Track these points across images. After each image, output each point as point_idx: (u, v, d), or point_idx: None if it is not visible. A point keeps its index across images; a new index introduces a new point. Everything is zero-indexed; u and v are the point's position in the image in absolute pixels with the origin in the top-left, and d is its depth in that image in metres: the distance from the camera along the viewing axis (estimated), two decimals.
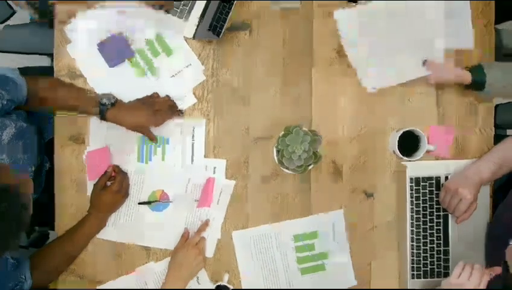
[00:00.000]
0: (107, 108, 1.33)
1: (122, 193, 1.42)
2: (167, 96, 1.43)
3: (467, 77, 1.41)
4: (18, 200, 0.98)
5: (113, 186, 1.39)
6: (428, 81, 1.46)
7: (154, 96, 1.43)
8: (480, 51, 1.49)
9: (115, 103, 1.35)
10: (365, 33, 1.48)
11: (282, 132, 1.35)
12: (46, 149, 1.48)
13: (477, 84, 1.40)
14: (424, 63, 1.46)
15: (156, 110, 1.39)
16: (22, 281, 1.29)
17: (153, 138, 1.40)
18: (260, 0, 1.46)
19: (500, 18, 1.52)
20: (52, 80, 1.42)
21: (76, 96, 1.35)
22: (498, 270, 1.23)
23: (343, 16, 1.47)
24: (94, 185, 1.41)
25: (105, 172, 1.41)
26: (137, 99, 1.41)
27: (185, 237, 1.44)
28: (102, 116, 1.33)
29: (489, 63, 1.41)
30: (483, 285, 1.21)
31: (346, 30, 1.47)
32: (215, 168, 1.45)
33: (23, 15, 1.70)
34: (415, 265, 1.45)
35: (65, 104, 1.35)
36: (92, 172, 1.44)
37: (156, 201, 1.45)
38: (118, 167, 1.43)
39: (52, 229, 1.46)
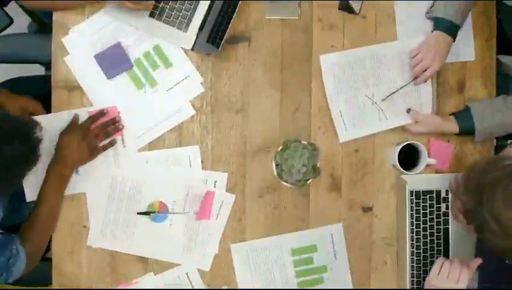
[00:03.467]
0: None
1: (91, 146, 1.37)
2: None
3: (454, 128, 1.41)
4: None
5: (85, 131, 1.36)
6: (407, 128, 1.45)
7: None
8: (481, 63, 1.48)
9: None
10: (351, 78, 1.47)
11: (281, 146, 1.35)
12: None
13: (465, 132, 1.41)
14: (408, 111, 1.45)
15: None
16: (15, 255, 1.27)
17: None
18: (261, 0, 1.46)
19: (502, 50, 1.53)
20: None
21: None
22: (477, 261, 1.23)
23: (328, 60, 1.46)
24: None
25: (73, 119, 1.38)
26: None
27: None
28: None
29: (477, 109, 1.40)
30: (462, 279, 1.21)
31: (330, 77, 1.46)
32: (216, 181, 1.44)
33: (20, 25, 1.69)
34: (415, 279, 1.44)
35: None
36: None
37: (155, 212, 1.44)
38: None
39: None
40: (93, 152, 1.39)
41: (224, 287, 1.45)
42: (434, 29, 1.41)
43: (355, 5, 1.46)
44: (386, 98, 1.44)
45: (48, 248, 1.43)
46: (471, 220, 1.09)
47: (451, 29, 1.38)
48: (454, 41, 1.40)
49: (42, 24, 1.76)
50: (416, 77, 1.42)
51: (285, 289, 1.46)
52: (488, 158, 1.12)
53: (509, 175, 1.02)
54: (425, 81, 1.44)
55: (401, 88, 1.44)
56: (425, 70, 1.40)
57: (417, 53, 1.41)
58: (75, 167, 1.39)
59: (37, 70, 1.67)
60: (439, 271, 1.23)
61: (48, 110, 1.46)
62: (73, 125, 1.39)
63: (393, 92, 1.44)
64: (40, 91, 1.48)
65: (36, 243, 1.37)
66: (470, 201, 1.08)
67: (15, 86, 1.56)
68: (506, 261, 1.20)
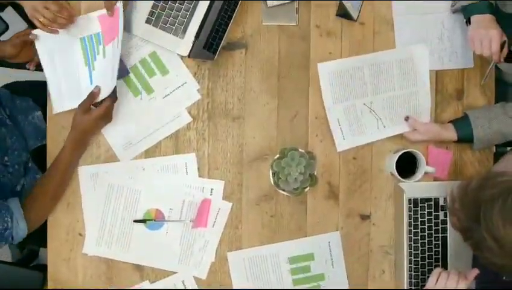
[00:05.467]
0: None
1: (107, 119, 1.38)
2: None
3: (453, 136, 1.41)
4: None
5: (97, 112, 1.32)
6: (406, 137, 1.44)
7: None
8: (480, 70, 1.47)
9: None
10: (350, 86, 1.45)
11: (278, 155, 1.34)
12: (38, 160, 1.47)
13: (464, 140, 1.40)
14: (406, 119, 1.44)
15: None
16: (10, 227, 1.28)
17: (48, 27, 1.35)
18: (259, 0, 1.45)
19: None
20: None
21: None
22: (474, 272, 1.22)
23: (326, 69, 1.45)
24: (78, 106, 1.35)
25: (90, 93, 1.34)
26: None
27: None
28: None
29: (476, 116, 1.39)
30: (461, 286, 1.20)
31: (328, 86, 1.45)
32: (212, 189, 1.43)
33: (17, 30, 1.67)
34: (413, 287, 1.43)
35: None
36: (108, 36, 1.39)
37: (151, 220, 1.43)
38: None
39: (45, 246, 1.45)
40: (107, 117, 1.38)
41: (223, 288, 1.45)
42: (468, 17, 1.37)
43: (353, 12, 1.44)
44: (486, 79, 1.43)
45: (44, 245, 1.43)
46: (468, 237, 1.08)
47: (487, 8, 1.35)
48: (494, 15, 1.35)
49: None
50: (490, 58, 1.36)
51: (283, 288, 1.45)
52: (484, 175, 1.10)
53: (506, 192, 1.01)
54: (499, 55, 1.34)
55: (491, 66, 1.39)
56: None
57: (473, 44, 1.35)
58: (93, 132, 1.39)
59: (38, 74, 1.65)
60: (436, 282, 1.22)
61: (44, 115, 1.47)
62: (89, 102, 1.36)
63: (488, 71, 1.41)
64: (40, 95, 1.47)
65: (40, 212, 1.38)
66: (467, 218, 1.06)
67: (15, 89, 1.55)
68: (504, 277, 1.18)
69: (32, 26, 1.78)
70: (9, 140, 1.41)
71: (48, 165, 1.42)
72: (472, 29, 1.36)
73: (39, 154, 1.49)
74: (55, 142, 1.42)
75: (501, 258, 1.01)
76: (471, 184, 1.07)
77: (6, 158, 1.39)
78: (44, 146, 1.45)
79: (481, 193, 1.04)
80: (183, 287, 1.44)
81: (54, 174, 1.37)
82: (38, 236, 1.44)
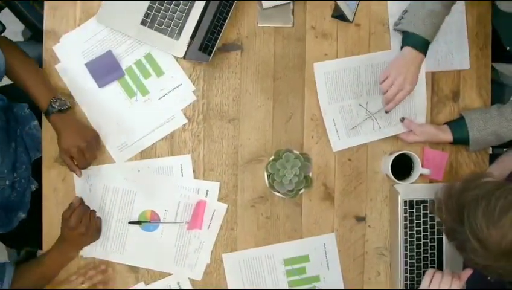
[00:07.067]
0: (53, 111, 1.29)
1: (82, 230, 1.32)
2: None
3: (448, 138, 1.40)
4: None
5: (69, 223, 1.30)
6: (401, 138, 1.44)
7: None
8: (476, 72, 1.47)
9: (65, 110, 1.31)
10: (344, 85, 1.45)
11: (273, 156, 1.34)
12: (34, 170, 1.46)
13: (460, 142, 1.40)
14: (402, 120, 1.44)
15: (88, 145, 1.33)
16: None
17: (74, 170, 1.34)
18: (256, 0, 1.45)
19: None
20: (27, 59, 1.37)
21: (35, 84, 1.31)
22: (468, 272, 1.22)
23: (322, 68, 1.44)
24: (62, 214, 1.34)
25: (70, 204, 1.34)
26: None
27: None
28: (47, 115, 1.31)
29: (472, 118, 1.38)
30: (454, 287, 1.20)
31: (324, 85, 1.45)
32: (207, 191, 1.43)
33: (14, 31, 1.68)
34: (408, 289, 1.42)
35: (23, 84, 1.31)
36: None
37: (146, 221, 1.43)
38: (81, 200, 1.37)
39: (41, 248, 1.44)
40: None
41: (218, 289, 1.45)
42: (404, 45, 1.35)
43: (348, 13, 1.44)
44: (353, 128, 1.44)
45: None
46: (453, 238, 1.08)
47: (422, 45, 1.33)
48: (425, 56, 1.34)
49: (36, 31, 1.74)
50: (387, 103, 1.37)
51: (279, 288, 1.45)
52: (468, 176, 1.11)
53: (489, 193, 1.01)
54: (396, 105, 1.36)
55: (368, 117, 1.43)
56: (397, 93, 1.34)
57: (386, 77, 1.35)
58: (75, 244, 1.39)
59: None
60: (430, 282, 1.22)
61: (39, 117, 1.46)
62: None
63: (358, 124, 1.43)
64: None
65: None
66: (451, 219, 1.07)
67: (12, 91, 1.54)
68: (488, 277, 1.19)
69: (30, 27, 1.79)
70: (19, 155, 1.41)
71: (44, 177, 1.41)
72: (396, 63, 1.34)
73: (34, 166, 1.48)
74: (51, 149, 1.41)
75: (484, 259, 1.01)
76: (455, 186, 1.08)
77: (15, 174, 1.39)
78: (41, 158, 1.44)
79: (465, 194, 1.04)
80: (178, 289, 1.43)
81: (29, 276, 1.35)
82: (35, 238, 1.45)
